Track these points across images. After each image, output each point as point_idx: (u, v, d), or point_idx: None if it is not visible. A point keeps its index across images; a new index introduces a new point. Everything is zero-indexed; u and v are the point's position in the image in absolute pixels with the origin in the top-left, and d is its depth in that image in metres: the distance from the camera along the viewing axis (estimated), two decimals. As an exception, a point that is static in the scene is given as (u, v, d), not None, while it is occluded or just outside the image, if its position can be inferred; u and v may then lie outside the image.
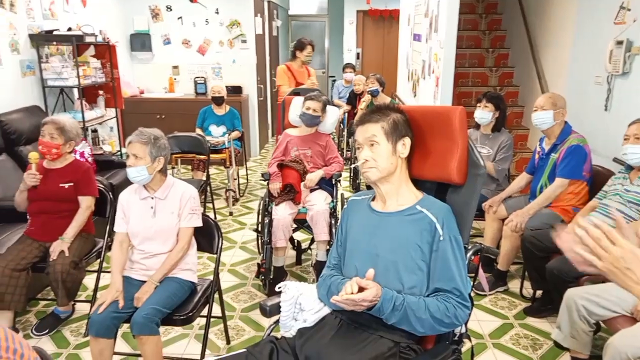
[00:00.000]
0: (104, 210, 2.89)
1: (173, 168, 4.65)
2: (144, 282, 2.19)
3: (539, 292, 2.98)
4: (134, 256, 2.29)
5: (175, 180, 2.34)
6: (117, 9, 5.97)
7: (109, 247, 2.65)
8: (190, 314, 2.20)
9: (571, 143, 2.94)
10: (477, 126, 3.61)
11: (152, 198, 2.26)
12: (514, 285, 3.24)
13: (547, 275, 2.55)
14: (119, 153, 5.14)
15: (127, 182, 2.34)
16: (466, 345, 1.68)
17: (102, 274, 2.84)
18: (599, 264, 0.93)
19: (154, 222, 2.24)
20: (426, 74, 4.81)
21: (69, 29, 4.47)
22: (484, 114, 3.45)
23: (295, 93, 3.91)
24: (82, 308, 2.93)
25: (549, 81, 4.61)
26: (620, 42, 3.21)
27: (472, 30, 5.91)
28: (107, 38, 5.04)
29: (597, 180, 2.94)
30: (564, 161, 2.93)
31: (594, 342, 2.27)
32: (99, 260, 2.83)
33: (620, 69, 3.21)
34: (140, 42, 6.29)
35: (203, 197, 4.30)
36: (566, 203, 2.96)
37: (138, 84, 6.40)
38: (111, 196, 2.89)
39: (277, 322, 1.76)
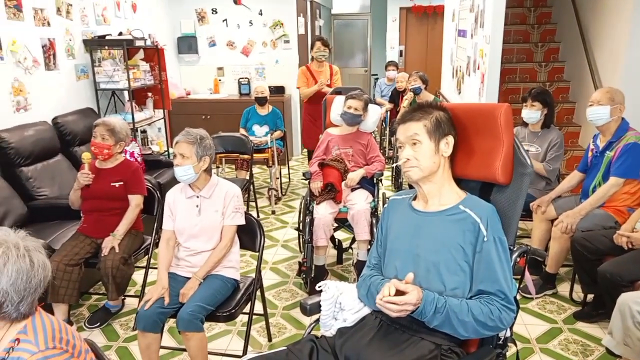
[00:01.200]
0: (152, 208, 3.00)
1: (217, 167, 4.75)
2: (189, 278, 2.26)
3: (590, 296, 2.86)
4: (179, 253, 2.35)
5: (219, 179, 2.39)
6: (165, 13, 6.16)
7: (156, 244, 2.74)
8: (233, 310, 2.25)
9: (628, 141, 2.80)
10: (525, 124, 3.49)
11: (198, 197, 2.32)
12: (563, 288, 3.11)
13: (599, 279, 2.44)
14: (166, 153, 5.31)
15: (174, 181, 2.41)
16: (511, 350, 1.64)
17: (149, 270, 2.95)
18: None
19: (199, 220, 2.30)
20: (471, 70, 4.70)
21: (120, 34, 4.65)
22: (532, 113, 3.33)
23: (337, 92, 3.91)
24: (131, 302, 3.05)
25: (602, 76, 4.39)
26: (681, 33, 3.03)
27: (521, 24, 5.72)
28: (156, 42, 5.21)
29: (655, 180, 2.78)
30: (620, 159, 2.79)
31: (650, 350, 2.15)
32: (147, 257, 2.93)
33: (681, 61, 3.03)
34: (187, 44, 6.47)
35: (246, 195, 4.37)
36: (620, 203, 2.82)
37: (185, 86, 6.58)
38: (159, 195, 2.99)
39: (317, 320, 1.76)
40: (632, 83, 3.65)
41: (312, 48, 4.88)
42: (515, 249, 1.64)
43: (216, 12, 6.41)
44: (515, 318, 1.53)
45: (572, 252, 2.79)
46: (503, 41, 3.79)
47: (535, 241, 3.19)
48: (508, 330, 1.58)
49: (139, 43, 4.66)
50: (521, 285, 1.77)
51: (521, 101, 3.51)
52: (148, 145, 5.05)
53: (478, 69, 4.32)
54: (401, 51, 9.35)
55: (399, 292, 1.45)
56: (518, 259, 1.65)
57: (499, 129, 1.60)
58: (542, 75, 5.37)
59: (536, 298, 3.03)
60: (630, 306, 2.08)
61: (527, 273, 1.78)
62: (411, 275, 1.47)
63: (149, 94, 5.08)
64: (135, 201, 2.83)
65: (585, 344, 2.59)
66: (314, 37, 4.89)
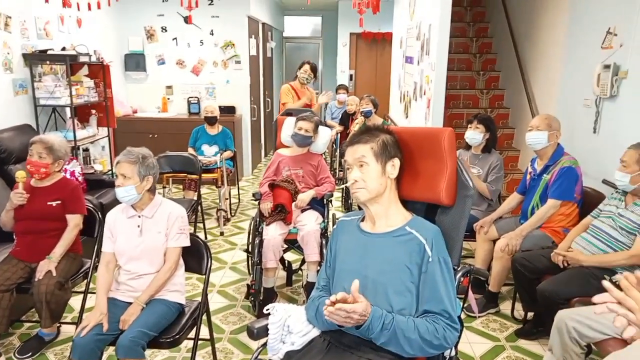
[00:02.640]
0: (93, 230, 2.86)
1: (164, 187, 4.62)
2: (130, 303, 2.16)
3: (530, 314, 2.96)
4: (120, 277, 2.25)
5: (163, 199, 2.33)
6: (112, 29, 6.02)
7: (96, 268, 2.61)
8: (177, 336, 2.16)
9: (563, 164, 2.96)
10: (468, 147, 3.64)
11: (139, 217, 2.24)
12: (505, 306, 3.21)
13: (538, 297, 2.54)
14: (110, 172, 5.12)
15: (117, 202, 2.31)
16: (456, 369, 1.66)
17: (88, 295, 2.79)
18: (632, 318, 0.91)
19: (140, 241, 2.21)
20: (418, 95, 4.86)
21: (63, 49, 4.49)
22: (475, 134, 3.48)
23: (288, 114, 3.92)
24: (67, 330, 2.88)
25: (539, 104, 4.66)
26: (607, 66, 3.26)
27: (463, 53, 6.00)
28: (102, 58, 5.07)
29: (587, 202, 2.95)
30: (556, 182, 2.95)
31: (586, 365, 2.24)
32: (86, 281, 2.78)
33: (608, 92, 3.25)
34: (135, 62, 6.33)
35: (194, 216, 4.27)
36: (556, 224, 2.97)
37: (131, 104, 6.41)
38: (100, 216, 2.86)
39: (265, 344, 1.73)
40: (566, 111, 3.88)
41: (299, 68, 4.98)
42: (459, 268, 1.68)
43: (166, 31, 6.33)
44: (459, 337, 1.56)
45: (512, 272, 2.90)
46: (447, 69, 3.95)
47: (479, 261, 3.29)
48: (453, 349, 1.61)
49: (83, 59, 4.52)
50: (465, 305, 1.81)
51: (466, 123, 3.66)
52: (90, 164, 4.86)
53: (424, 94, 4.47)
54: (351, 75, 9.56)
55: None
56: (462, 279, 1.69)
57: (443, 152, 1.66)
58: (484, 101, 5.63)
59: (480, 317, 3.11)
60: (567, 323, 2.17)
61: (470, 292, 1.82)
62: (357, 282, 1.46)
63: (93, 111, 4.91)
64: (74, 221, 2.69)
65: (527, 361, 2.67)
66: (304, 60, 5.09)
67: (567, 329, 2.16)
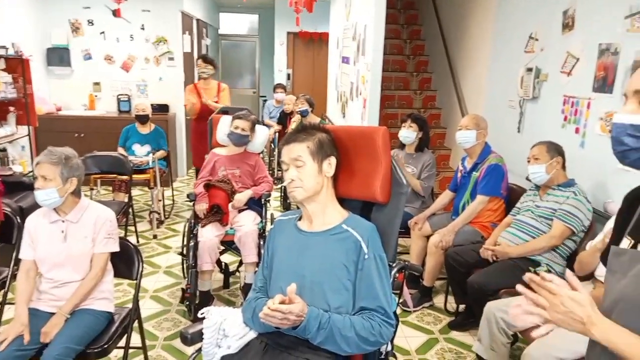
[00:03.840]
0: (11, 236, 2.65)
1: (92, 189, 4.39)
2: (53, 314, 2.02)
3: (462, 306, 3.08)
4: (42, 286, 2.10)
5: (90, 202, 2.20)
6: (32, 21, 5.62)
7: (14, 277, 2.42)
8: (106, 346, 2.05)
9: (490, 162, 3.11)
10: (402, 146, 3.73)
11: (63, 221, 2.10)
12: (439, 300, 3.33)
13: (468, 290, 2.64)
14: (30, 174, 4.78)
15: (38, 206, 2.15)
16: (393, 363, 1.69)
17: (6, 307, 2.58)
18: (546, 315, 0.97)
19: (64, 248, 2.07)
20: (354, 95, 4.92)
21: (-25, 40, 4.15)
22: (409, 133, 3.58)
23: (224, 112, 3.84)
24: (-18, 345, 2.64)
25: (468, 104, 4.87)
26: (530, 69, 3.46)
27: (398, 54, 6.15)
28: (20, 52, 4.72)
29: (512, 198, 3.11)
30: (484, 179, 3.09)
31: (512, 352, 2.36)
32: (2, 292, 2.57)
33: (530, 94, 3.46)
34: (58, 56, 5.96)
35: (125, 219, 4.08)
36: (485, 219, 3.11)
37: (55, 101, 6.03)
38: (19, 220, 2.66)
39: (199, 350, 1.68)
40: (493, 111, 4.08)
41: (197, 66, 4.85)
42: (394, 264, 1.71)
43: (93, 24, 6.01)
44: (395, 332, 1.59)
45: (445, 266, 3.00)
46: (382, 69, 4.04)
47: (414, 257, 3.39)
48: (389, 344, 1.63)
49: (-2, 52, 4.19)
50: (400, 300, 1.84)
51: (401, 123, 3.75)
52: (8, 165, 4.51)
53: (360, 94, 4.54)
54: (289, 74, 9.54)
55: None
56: (397, 275, 1.72)
57: (378, 150, 1.68)
58: (417, 102, 5.80)
59: (415, 311, 3.20)
60: (495, 314, 2.27)
61: (405, 288, 1.86)
62: (294, 285, 1.45)
63: (11, 109, 4.56)
64: (-11, 228, 2.49)
65: (459, 351, 2.78)
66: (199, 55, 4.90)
67: (495, 320, 2.26)
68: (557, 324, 0.97)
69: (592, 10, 2.92)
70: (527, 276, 1.02)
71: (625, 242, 1.00)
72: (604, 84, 2.77)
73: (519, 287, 1.03)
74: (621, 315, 0.89)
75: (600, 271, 2.16)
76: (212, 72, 4.83)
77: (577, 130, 3.00)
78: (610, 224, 2.22)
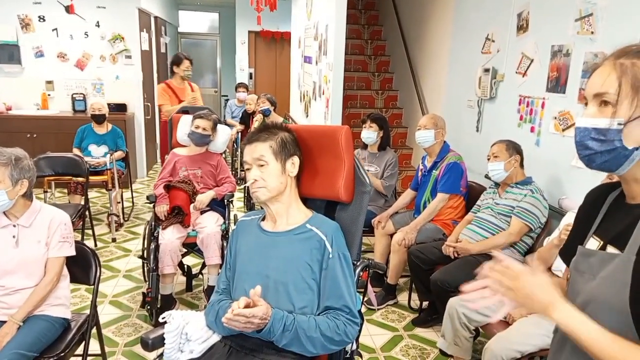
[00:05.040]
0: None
1: (46, 192, 4.21)
2: (5, 322, 1.92)
3: (425, 303, 3.13)
4: (-9, 293, 2.00)
5: (42, 205, 2.10)
6: (-22, 16, 5.35)
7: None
8: (62, 354, 1.97)
9: (449, 160, 3.17)
10: (365, 146, 3.76)
11: (15, 226, 2.00)
12: (402, 297, 3.37)
13: (431, 287, 2.69)
14: (-21, 176, 4.54)
15: (-15, 209, 2.05)
16: (358, 362, 1.69)
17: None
18: (510, 295, 0.98)
19: (16, 253, 1.97)
20: (317, 95, 4.93)
21: None
22: (370, 133, 3.61)
23: (184, 111, 3.77)
24: None
25: (428, 104, 4.96)
26: (487, 70, 3.56)
27: (359, 54, 6.20)
28: (-35, 47, 4.48)
29: (472, 195, 3.19)
30: (444, 177, 3.15)
31: (474, 347, 2.41)
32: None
33: (488, 94, 3.55)
34: (8, 53, 5.69)
35: (81, 223, 3.94)
36: (446, 217, 3.17)
37: (4, 100, 5.75)
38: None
39: (161, 355, 1.63)
40: (452, 111, 4.17)
41: (178, 65, 4.66)
42: (358, 263, 1.72)
43: (44, 20, 5.76)
44: (360, 330, 1.59)
45: (408, 264, 3.04)
46: (344, 69, 4.06)
47: (378, 255, 3.42)
48: (354, 343, 1.63)
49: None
50: (365, 299, 1.85)
51: (361, 123, 3.78)
52: (-46, 167, 4.27)
53: (323, 94, 4.55)
54: (251, 73, 9.46)
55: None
56: (361, 273, 1.73)
57: (341, 149, 1.68)
58: (379, 102, 5.86)
59: (379, 309, 3.22)
60: (457, 309, 2.32)
61: (369, 286, 1.87)
62: (259, 287, 1.44)
63: (-44, 108, 4.33)
64: None
65: (423, 348, 2.82)
66: (180, 54, 4.69)
67: (457, 315, 2.31)
68: (519, 304, 0.97)
69: (544, 13, 3.03)
70: (488, 265, 1.02)
71: (593, 243, 1.01)
72: (557, 84, 2.87)
73: (480, 276, 1.04)
74: (591, 317, 0.90)
75: (557, 265, 2.24)
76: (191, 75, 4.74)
77: (532, 129, 3.10)
78: (565, 220, 2.30)
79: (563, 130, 2.82)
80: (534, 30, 3.13)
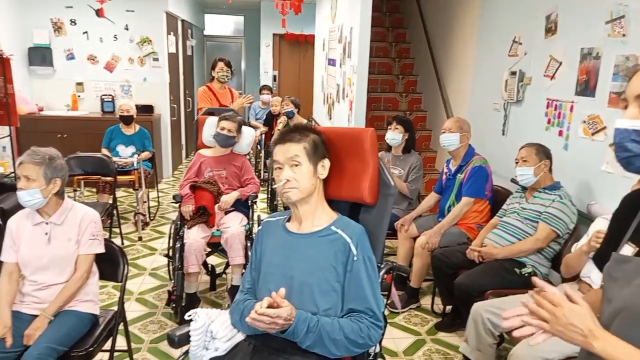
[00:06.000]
0: (-9, 238, 2.60)
1: (75, 191, 4.32)
2: (36, 316, 1.98)
3: (448, 307, 3.10)
4: (24, 288, 2.06)
5: (74, 203, 2.16)
6: (13, 20, 5.52)
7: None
8: (91, 349, 2.02)
9: (475, 164, 3.14)
10: (389, 148, 3.75)
11: (47, 223, 2.06)
12: (426, 301, 3.34)
13: (455, 291, 2.66)
14: (12, 175, 4.69)
15: (20, 207, 2.12)
16: (381, 365, 1.69)
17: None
18: (546, 327, 0.95)
19: (48, 250, 2.04)
20: (341, 97, 4.93)
21: (-45, 39, 4.06)
22: (395, 135, 3.59)
23: (210, 113, 3.82)
24: (-39, 350, 2.58)
25: (453, 107, 4.91)
26: (514, 73, 3.51)
27: (383, 57, 6.18)
28: (1, 51, 4.63)
29: (497, 199, 3.15)
30: (469, 181, 3.12)
31: (498, 353, 2.38)
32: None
33: (514, 97, 3.50)
34: (40, 56, 5.86)
35: (109, 221, 4.03)
36: (471, 221, 3.14)
37: (37, 101, 5.93)
38: (0, 222, 2.61)
39: (187, 352, 1.66)
40: (477, 114, 4.12)
41: (213, 68, 4.60)
42: (382, 266, 1.72)
43: (75, 24, 5.92)
44: (383, 334, 1.59)
45: (432, 267, 3.02)
46: (368, 72, 4.05)
47: (400, 258, 3.40)
48: (377, 346, 1.63)
49: (-21, 50, 4.10)
50: (389, 301, 1.85)
51: (387, 125, 3.77)
52: (-11, 166, 4.43)
53: (347, 96, 4.55)
54: (275, 76, 9.53)
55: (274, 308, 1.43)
56: (385, 276, 1.72)
57: (366, 152, 1.68)
58: (403, 104, 5.84)
59: (402, 312, 3.21)
60: (481, 314, 2.29)
61: (393, 289, 1.87)
62: (283, 290, 1.45)
63: (-8, 109, 4.47)
64: (-31, 230, 2.43)
65: (446, 352, 2.79)
66: (216, 57, 4.61)
67: (481, 320, 2.28)
68: (557, 336, 0.95)
69: (574, 15, 2.97)
70: (529, 293, 0.99)
71: (628, 249, 0.98)
72: (586, 87, 2.81)
73: (522, 301, 0.99)
74: (623, 324, 0.87)
75: (586, 272, 2.19)
76: (230, 77, 4.64)
77: (560, 133, 3.05)
78: (594, 226, 2.25)
79: (592, 134, 2.76)
80: (562, 32, 3.08)
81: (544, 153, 2.71)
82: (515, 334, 1.00)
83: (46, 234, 2.06)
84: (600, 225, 2.20)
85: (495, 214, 2.99)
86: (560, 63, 3.07)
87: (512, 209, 2.84)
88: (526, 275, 2.58)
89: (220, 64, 4.57)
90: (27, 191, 1.97)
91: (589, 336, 0.91)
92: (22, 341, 1.90)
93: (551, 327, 0.95)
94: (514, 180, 3.17)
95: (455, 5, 4.87)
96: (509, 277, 2.58)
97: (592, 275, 2.17)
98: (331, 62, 5.68)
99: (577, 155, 2.89)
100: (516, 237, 2.71)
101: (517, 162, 2.76)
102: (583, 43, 2.85)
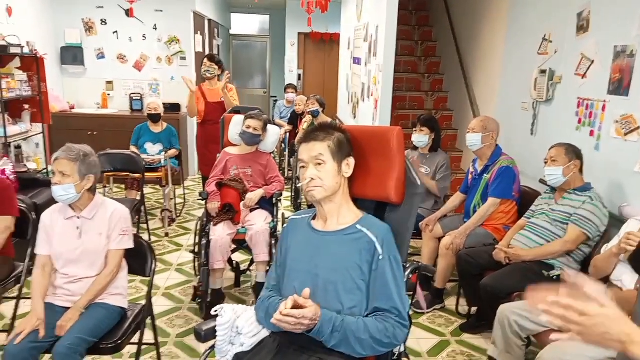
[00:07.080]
0: (26, 231, 2.68)
1: (105, 187, 4.43)
2: (68, 308, 2.04)
3: (474, 309, 3.06)
4: (57, 281, 2.12)
5: (104, 199, 2.21)
6: (46, 20, 5.69)
7: (29, 272, 2.44)
8: (120, 341, 2.07)
9: (502, 164, 3.09)
10: (415, 147, 3.72)
11: (78, 218, 2.12)
12: (450, 302, 3.31)
13: (481, 292, 2.63)
14: (45, 171, 4.84)
15: (52, 202, 2.18)
16: (405, 365, 1.68)
17: (21, 301, 2.61)
18: (577, 338, 0.92)
19: (79, 244, 2.09)
20: (365, 96, 4.92)
21: (-8, 39, 4.20)
22: (421, 137, 3.57)
23: (236, 111, 3.85)
24: (-3, 339, 2.68)
25: (480, 106, 4.84)
26: (543, 71, 3.44)
27: (409, 55, 6.14)
28: (35, 50, 4.77)
29: (525, 200, 3.09)
30: (496, 182, 3.07)
31: (526, 356, 2.34)
32: (18, 286, 2.60)
33: (544, 96, 3.43)
34: (72, 55, 6.02)
35: (137, 217, 4.11)
36: (497, 222, 3.09)
37: (68, 99, 6.09)
38: (34, 216, 2.69)
39: (212, 347, 1.68)
40: (505, 113, 4.05)
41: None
42: (407, 265, 1.71)
43: (106, 23, 6.06)
44: (408, 333, 1.58)
45: (457, 268, 2.99)
46: (394, 70, 4.03)
47: (425, 258, 3.37)
48: (402, 345, 1.63)
49: (14, 50, 4.24)
50: (414, 301, 1.84)
51: (411, 127, 3.74)
52: (23, 162, 4.56)
53: (372, 95, 4.54)
54: (300, 75, 9.55)
55: (298, 308, 1.44)
56: (410, 276, 1.72)
57: (392, 151, 1.68)
58: (429, 103, 5.78)
59: (427, 313, 3.18)
60: (508, 316, 2.26)
61: (418, 289, 1.86)
62: (308, 290, 1.46)
63: (26, 106, 4.62)
64: (5, 223, 2.51)
65: (471, 354, 2.76)
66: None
67: (508, 323, 2.25)
68: (591, 343, 0.91)
69: (607, 12, 2.89)
70: (550, 300, 0.95)
71: None
72: (619, 86, 2.74)
73: (549, 321, 0.95)
74: None
75: (617, 276, 2.14)
76: (217, 73, 4.50)
77: (591, 133, 2.97)
78: (627, 228, 2.19)
79: (625, 134, 2.69)
80: (595, 30, 3.00)
81: (574, 153, 2.65)
82: (552, 337, 0.97)
83: (77, 227, 2.11)
84: (633, 227, 2.14)
85: (523, 215, 2.94)
86: (592, 61, 2.99)
87: (540, 210, 2.78)
88: (554, 277, 2.53)
89: (204, 60, 4.48)
90: (61, 186, 2.03)
91: (627, 342, 0.87)
92: (54, 332, 1.96)
93: (585, 339, 0.91)
94: (542, 181, 3.11)
95: (483, 2, 4.80)
96: (537, 280, 2.54)
97: (624, 278, 2.11)
98: (356, 60, 5.67)
99: (609, 155, 2.82)
100: (544, 239, 2.66)
101: (546, 162, 2.71)
102: (616, 41, 2.78)
